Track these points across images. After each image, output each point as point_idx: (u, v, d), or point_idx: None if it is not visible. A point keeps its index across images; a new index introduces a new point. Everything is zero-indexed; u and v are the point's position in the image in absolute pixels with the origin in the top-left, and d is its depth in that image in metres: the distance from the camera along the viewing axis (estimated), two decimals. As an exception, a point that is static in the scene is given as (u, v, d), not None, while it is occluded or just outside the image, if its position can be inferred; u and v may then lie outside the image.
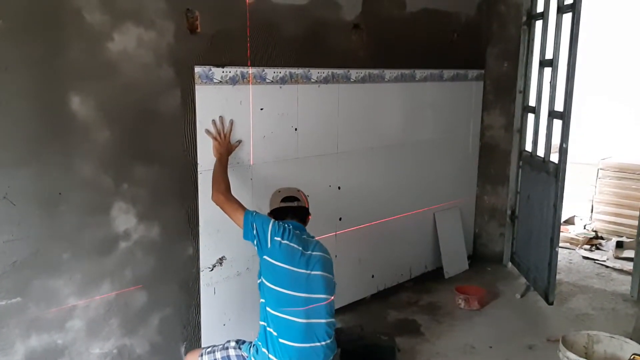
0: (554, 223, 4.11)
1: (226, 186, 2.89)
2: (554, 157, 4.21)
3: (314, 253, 2.73)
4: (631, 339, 3.46)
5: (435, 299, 4.42)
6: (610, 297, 4.55)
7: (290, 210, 2.83)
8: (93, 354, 2.80)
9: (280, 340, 2.66)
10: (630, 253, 5.52)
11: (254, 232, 2.73)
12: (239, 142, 3.17)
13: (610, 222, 6.13)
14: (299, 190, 2.93)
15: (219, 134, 3.04)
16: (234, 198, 2.86)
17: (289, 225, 2.75)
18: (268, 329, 2.72)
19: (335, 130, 3.82)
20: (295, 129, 3.52)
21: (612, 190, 6.16)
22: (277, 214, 2.85)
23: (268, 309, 2.71)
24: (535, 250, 4.49)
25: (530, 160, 4.71)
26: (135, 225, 2.86)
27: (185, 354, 3.17)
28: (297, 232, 2.76)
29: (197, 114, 2.99)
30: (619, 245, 5.74)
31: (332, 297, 2.75)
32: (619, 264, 5.28)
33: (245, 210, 2.79)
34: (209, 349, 2.92)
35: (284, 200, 2.84)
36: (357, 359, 3.17)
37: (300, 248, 2.69)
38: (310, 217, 2.91)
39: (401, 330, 3.86)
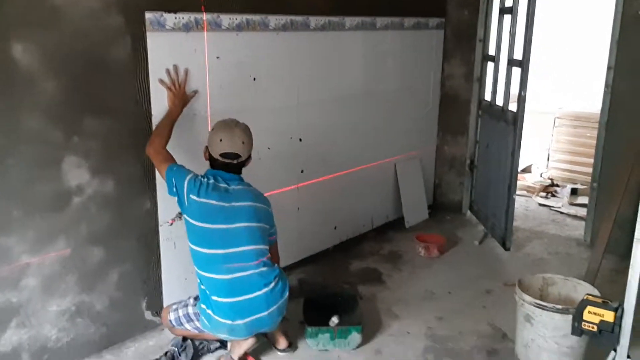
0: (512, 171, 4.18)
1: (162, 141, 2.78)
2: (513, 106, 4.25)
3: (237, 204, 2.68)
4: (584, 281, 3.61)
5: (397, 247, 4.48)
6: (564, 242, 4.71)
7: (226, 166, 2.76)
8: (50, 311, 2.74)
9: (213, 297, 2.67)
10: (584, 199, 5.70)
11: (174, 188, 2.68)
12: (195, 92, 3.07)
13: (565, 170, 6.29)
14: (243, 140, 2.74)
15: (174, 84, 2.93)
16: (166, 152, 2.76)
17: (208, 179, 2.68)
18: (202, 287, 2.72)
19: (295, 80, 3.74)
20: (254, 79, 3.43)
21: (568, 138, 6.29)
22: (211, 160, 2.78)
23: (196, 268, 2.71)
24: (494, 198, 4.58)
25: (490, 110, 4.74)
26: (88, 180, 2.76)
27: (147, 308, 3.15)
28: (222, 184, 2.70)
29: (149, 63, 2.86)
30: (574, 192, 5.92)
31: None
32: (573, 210, 5.45)
33: (168, 164, 2.71)
34: (174, 307, 2.92)
35: (224, 156, 2.72)
36: (320, 309, 3.19)
37: (220, 202, 2.64)
38: (250, 161, 2.85)
39: (363, 279, 3.91)
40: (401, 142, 4.88)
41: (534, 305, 2.66)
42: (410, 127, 4.95)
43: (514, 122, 4.14)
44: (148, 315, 3.17)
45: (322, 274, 3.94)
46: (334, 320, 3.03)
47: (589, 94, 6.29)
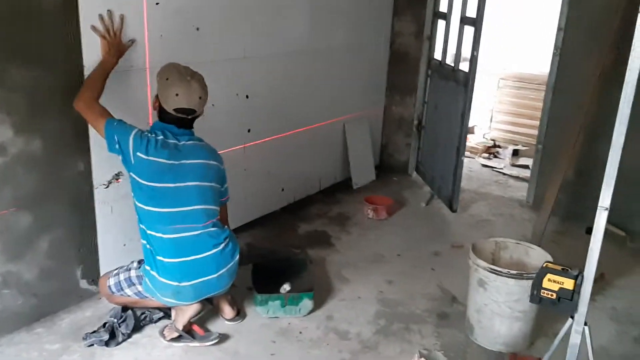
0: (461, 133, 4.14)
1: (94, 94, 2.51)
2: (463, 66, 4.18)
3: (188, 162, 2.53)
4: (531, 243, 3.65)
5: (345, 209, 4.40)
6: (508, 203, 4.77)
7: (178, 121, 2.55)
8: (-29, 283, 2.47)
9: (159, 257, 2.53)
10: (525, 160, 5.81)
11: (117, 145, 2.46)
12: (132, 41, 2.78)
13: (507, 131, 6.36)
14: (200, 95, 2.53)
15: (108, 32, 2.63)
16: (99, 105, 2.51)
17: (156, 134, 2.49)
18: (148, 247, 2.57)
19: (241, 32, 3.48)
20: (197, 29, 3.16)
21: (511, 99, 6.34)
22: (161, 112, 2.56)
23: (142, 226, 2.55)
24: (441, 160, 4.55)
25: (439, 69, 4.65)
26: (12, 138, 2.46)
27: (82, 277, 2.93)
28: (171, 139, 2.51)
29: (80, 7, 2.55)
30: (515, 153, 6.01)
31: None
32: (515, 171, 5.53)
33: (106, 119, 2.47)
34: (115, 272, 2.73)
35: (178, 111, 2.51)
36: (269, 274, 3.07)
37: (169, 161, 2.48)
38: (202, 114, 2.65)
39: (312, 242, 3.81)
40: (350, 102, 4.74)
41: (489, 271, 2.63)
42: (359, 86, 4.81)
43: (465, 82, 4.07)
44: (84, 284, 2.95)
45: (270, 238, 3.80)
46: (286, 287, 2.92)
47: (534, 55, 6.33)
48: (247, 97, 3.64)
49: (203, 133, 2.72)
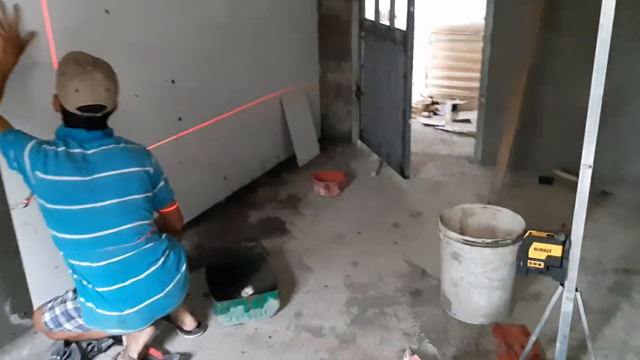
0: (405, 94, 3.95)
1: None
2: (398, 24, 3.96)
3: (100, 175, 2.09)
4: (489, 202, 3.55)
5: (294, 190, 4.15)
6: (456, 161, 4.67)
7: (86, 122, 2.11)
8: None
9: (92, 287, 2.18)
10: (465, 115, 5.73)
11: (14, 163, 2.07)
12: (32, 34, 2.35)
13: (444, 87, 6.27)
14: (107, 87, 2.09)
15: (1, 26, 2.20)
16: None
17: (57, 145, 2.06)
18: (75, 276, 2.22)
19: (158, 11, 3.09)
20: (107, 12, 2.75)
21: (444, 54, 6.23)
22: (65, 115, 2.13)
23: (63, 256, 2.18)
24: (386, 125, 4.36)
25: (374, 30, 4.42)
26: None
27: (12, 312, 2.55)
28: (75, 149, 2.07)
29: (-42, 0, 2.11)
30: (454, 108, 5.91)
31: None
32: (457, 127, 5.44)
33: (1, 132, 2.08)
34: (49, 305, 2.37)
35: (83, 109, 2.06)
36: (226, 276, 2.80)
37: (76, 177, 2.05)
38: (117, 108, 2.21)
39: (266, 231, 3.55)
40: (283, 74, 4.44)
41: (462, 242, 2.47)
42: (291, 56, 4.51)
43: (403, 41, 3.86)
44: (15, 319, 2.57)
45: (219, 233, 3.51)
46: (248, 290, 2.65)
47: (464, 6, 6.18)
48: (172, 82, 3.28)
49: (129, 129, 2.36)
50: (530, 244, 1.98)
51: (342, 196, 4.03)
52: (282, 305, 2.74)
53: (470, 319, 2.61)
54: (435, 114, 5.97)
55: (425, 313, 2.71)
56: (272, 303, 2.66)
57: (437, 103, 6.17)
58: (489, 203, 3.54)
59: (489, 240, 2.44)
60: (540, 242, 1.97)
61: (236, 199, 3.94)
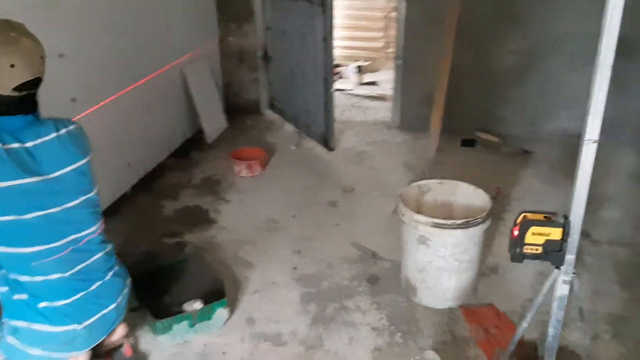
0: (326, 61, 3.63)
1: None
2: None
3: (53, 176, 1.68)
4: (423, 172, 3.39)
5: (209, 172, 3.71)
6: (375, 127, 4.48)
7: (20, 104, 1.63)
8: None
9: (44, 304, 1.77)
10: (371, 77, 5.54)
11: None
12: None
13: (345, 47, 6.00)
14: (41, 54, 1.65)
15: None
16: None
17: None
18: (18, 297, 1.76)
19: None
20: (-28, -32, 2.10)
21: (344, 12, 5.94)
22: None
23: (11, 274, 1.72)
24: (303, 94, 4.03)
25: (282, -12, 4.01)
26: None
27: None
28: (13, 143, 1.61)
29: None
30: (359, 70, 5.70)
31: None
32: (368, 91, 5.24)
33: None
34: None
35: (23, 88, 1.59)
36: (157, 286, 2.38)
37: (28, 179, 1.61)
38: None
39: (188, 223, 3.11)
40: (180, 41, 3.88)
41: (432, 226, 2.26)
42: (186, 19, 3.97)
43: (321, 1, 3.51)
44: None
45: (132, 231, 3.01)
46: (196, 306, 2.24)
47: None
48: (60, 56, 2.67)
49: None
50: (528, 228, 1.80)
51: (265, 175, 3.68)
52: (230, 312, 2.37)
53: (439, 303, 2.44)
54: (340, 77, 5.70)
55: (388, 302, 2.49)
56: (221, 313, 2.29)
57: (339, 65, 5.90)
58: (424, 173, 3.41)
59: (460, 221, 2.25)
60: (539, 226, 1.79)
61: (144, 187, 3.43)
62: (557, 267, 1.87)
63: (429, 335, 2.29)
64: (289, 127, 4.36)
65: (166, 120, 3.75)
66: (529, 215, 1.83)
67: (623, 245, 2.91)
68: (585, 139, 1.67)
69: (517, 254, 1.84)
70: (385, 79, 5.54)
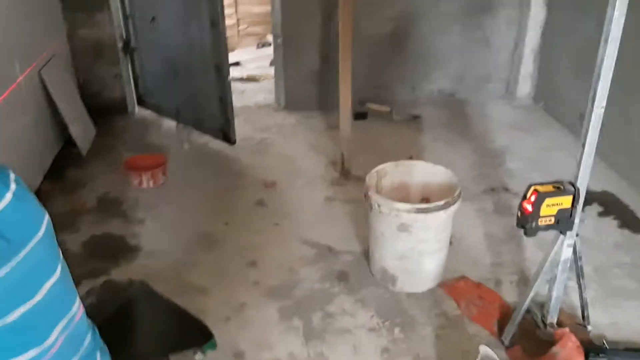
0: (219, 48, 3.30)
1: None
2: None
3: (22, 255, 1.23)
4: (342, 153, 3.29)
5: (101, 190, 3.18)
6: (262, 111, 4.25)
7: None
8: None
9: None
10: (232, 58, 5.22)
11: None
12: None
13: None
14: None
15: None
16: None
17: None
18: None
19: None
20: None
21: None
22: None
23: None
24: (187, 85, 3.64)
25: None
26: None
27: None
28: None
29: None
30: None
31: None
32: (235, 73, 4.92)
33: None
34: None
35: None
36: (128, 333, 1.97)
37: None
38: None
39: (106, 257, 2.63)
40: (28, 41, 3.19)
41: (415, 212, 2.18)
42: (23, 12, 3.28)
43: (205, -18, 3.15)
44: None
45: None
46: (198, 358, 1.89)
47: None
48: None
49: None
50: (543, 201, 1.82)
51: (171, 183, 3.26)
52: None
53: (421, 287, 2.40)
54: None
55: (370, 297, 2.38)
56: (209, 355, 1.98)
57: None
58: (343, 155, 3.32)
59: (441, 202, 2.21)
60: (552, 197, 1.82)
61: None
62: (562, 233, 1.93)
63: (424, 322, 2.25)
64: (170, 124, 3.92)
65: (30, 137, 3.10)
66: (540, 188, 1.84)
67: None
68: (594, 106, 1.71)
69: (533, 229, 1.86)
70: (249, 59, 5.28)
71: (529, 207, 1.83)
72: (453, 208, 2.24)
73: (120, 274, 2.49)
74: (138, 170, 3.16)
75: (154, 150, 3.55)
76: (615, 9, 1.56)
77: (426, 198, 2.49)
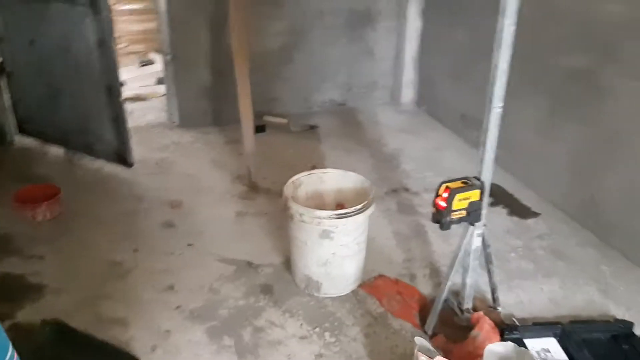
0: (108, 66, 3.17)
1: None
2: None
3: None
4: (248, 167, 3.30)
5: (-10, 228, 2.91)
6: (155, 131, 4.13)
7: None
8: None
9: None
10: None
11: None
12: None
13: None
14: None
15: None
16: None
17: None
18: None
19: None
20: None
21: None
22: None
23: None
24: (74, 109, 3.45)
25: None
26: None
27: None
28: None
29: None
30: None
31: None
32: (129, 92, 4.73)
33: None
34: None
35: None
36: None
37: None
38: None
39: (9, 299, 2.41)
40: None
41: (335, 218, 2.25)
42: None
43: (91, 2, 3.01)
44: None
45: None
46: None
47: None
48: None
49: None
50: (454, 196, 1.97)
51: (66, 213, 3.06)
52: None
53: (343, 290, 2.48)
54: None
55: (296, 307, 2.41)
56: (145, 388, 1.90)
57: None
58: (249, 168, 3.33)
59: (359, 206, 2.30)
60: (463, 192, 1.98)
61: None
62: (471, 224, 2.10)
63: (352, 323, 2.32)
64: (56, 151, 3.68)
65: None
66: (451, 185, 1.99)
67: (428, 190, 3.33)
68: (492, 106, 1.89)
69: (447, 223, 2.00)
70: (132, 78, 5.09)
71: (443, 203, 1.98)
72: (369, 210, 2.34)
73: (28, 316, 2.30)
74: (31, 202, 2.94)
75: (42, 181, 3.32)
76: (506, 17, 1.73)
77: (340, 204, 2.57)
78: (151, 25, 5.39)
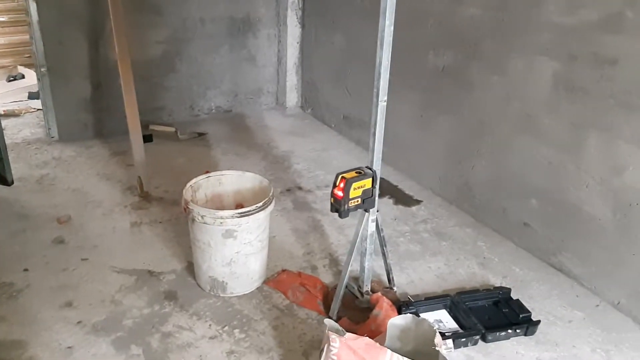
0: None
1: None
2: None
3: None
4: (139, 177, 3.25)
5: None
6: (32, 148, 3.91)
7: None
8: None
9: None
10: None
11: None
12: None
13: None
14: None
15: None
16: None
17: None
18: None
19: None
20: None
21: None
22: None
23: None
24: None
25: None
26: None
27: None
28: None
29: None
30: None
31: None
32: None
33: None
34: None
35: None
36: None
37: None
38: None
39: None
40: None
41: (238, 217, 2.31)
42: None
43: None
44: None
45: None
46: None
47: None
48: None
49: None
50: (350, 186, 2.11)
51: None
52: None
53: (249, 287, 2.54)
54: None
55: (203, 309, 2.43)
56: (54, 406, 1.83)
57: None
58: (140, 178, 3.29)
59: (260, 204, 2.38)
60: (357, 181, 2.13)
61: None
62: (366, 211, 2.26)
63: (260, 318, 2.39)
64: None
65: None
66: (346, 175, 2.14)
67: (320, 187, 3.50)
68: (379, 100, 2.06)
69: (345, 211, 2.14)
70: (1, 93, 4.76)
71: (340, 193, 2.12)
72: (270, 207, 2.43)
73: None
74: None
75: None
76: (386, 18, 1.91)
77: (240, 204, 2.63)
78: (18, 37, 5.09)
